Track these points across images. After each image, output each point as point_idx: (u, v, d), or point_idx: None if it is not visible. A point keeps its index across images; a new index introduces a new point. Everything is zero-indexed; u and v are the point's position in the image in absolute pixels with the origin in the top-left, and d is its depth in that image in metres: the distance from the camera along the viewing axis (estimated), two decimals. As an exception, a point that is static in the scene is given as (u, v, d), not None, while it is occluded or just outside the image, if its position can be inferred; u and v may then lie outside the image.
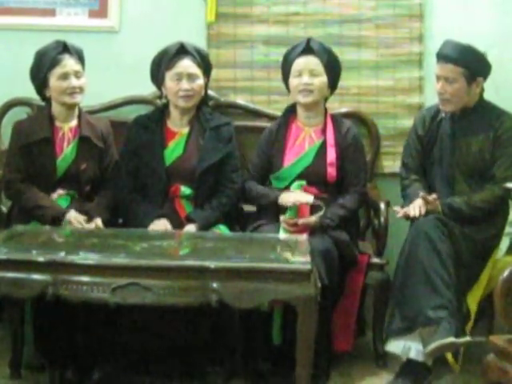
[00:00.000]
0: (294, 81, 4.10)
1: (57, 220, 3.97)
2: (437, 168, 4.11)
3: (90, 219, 4.01)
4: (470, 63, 3.94)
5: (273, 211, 4.03)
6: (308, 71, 4.07)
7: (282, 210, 3.99)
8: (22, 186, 4.08)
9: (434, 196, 3.90)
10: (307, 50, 4.09)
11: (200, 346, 3.83)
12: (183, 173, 4.07)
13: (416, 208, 3.86)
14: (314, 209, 3.98)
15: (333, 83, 4.15)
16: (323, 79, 4.09)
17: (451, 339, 3.60)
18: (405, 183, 4.13)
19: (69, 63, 4.09)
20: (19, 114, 4.50)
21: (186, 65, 4.09)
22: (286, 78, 4.17)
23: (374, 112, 4.62)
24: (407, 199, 4.03)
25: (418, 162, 4.14)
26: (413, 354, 3.77)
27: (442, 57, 4.00)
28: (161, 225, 3.97)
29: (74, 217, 3.98)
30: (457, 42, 3.97)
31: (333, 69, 4.13)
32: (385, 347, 3.90)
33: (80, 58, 4.15)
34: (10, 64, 4.55)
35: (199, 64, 4.12)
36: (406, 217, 3.90)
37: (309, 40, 4.11)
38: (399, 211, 3.91)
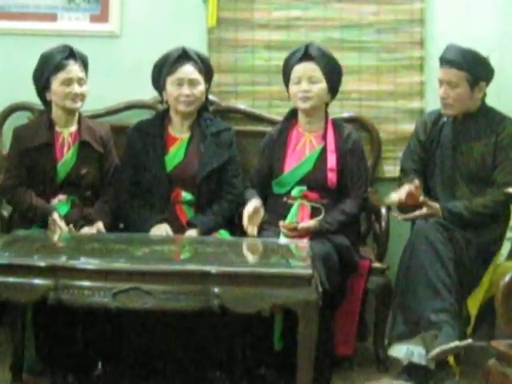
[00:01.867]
0: (293, 88, 4.10)
1: (46, 219, 3.97)
2: (438, 172, 4.11)
3: (91, 224, 4.01)
4: (473, 68, 3.94)
5: (273, 215, 4.03)
6: (307, 78, 4.06)
7: (281, 213, 3.99)
8: (19, 190, 4.08)
9: (416, 182, 3.87)
10: (306, 56, 4.08)
11: (201, 351, 3.82)
12: (184, 178, 4.07)
13: (401, 192, 3.85)
14: (314, 213, 3.98)
15: (333, 88, 4.13)
16: (322, 85, 4.07)
17: (454, 343, 3.61)
18: (402, 183, 4.12)
19: (73, 69, 4.08)
20: (20, 118, 4.49)
21: (188, 70, 4.09)
22: (286, 83, 4.17)
23: (375, 117, 4.61)
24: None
25: (418, 166, 4.14)
26: (415, 358, 3.78)
27: (445, 61, 4.00)
28: (162, 230, 3.97)
29: (57, 219, 3.96)
30: (460, 47, 3.97)
31: (332, 74, 4.11)
32: (388, 352, 3.90)
33: (84, 64, 4.15)
34: (11, 69, 4.54)
35: (200, 70, 4.12)
36: (405, 219, 3.91)
37: (307, 46, 4.10)
38: (396, 215, 3.92)
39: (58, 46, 4.12)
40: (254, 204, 3.97)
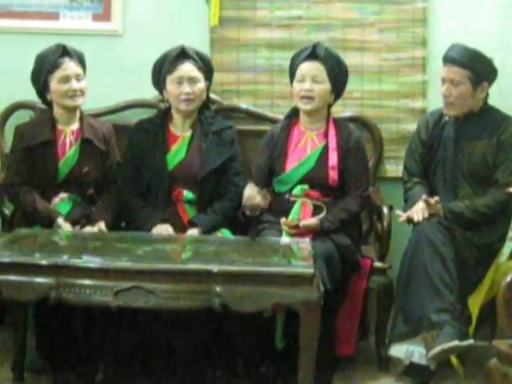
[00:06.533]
0: (296, 85, 4.10)
1: (50, 223, 3.97)
2: (440, 172, 4.11)
3: (92, 223, 4.01)
4: (477, 67, 3.95)
5: (274, 214, 4.02)
6: (311, 77, 4.06)
7: (283, 211, 3.98)
8: (22, 190, 4.07)
9: (436, 199, 3.90)
10: (312, 55, 4.08)
11: (202, 350, 3.83)
12: (186, 177, 4.07)
13: (419, 212, 3.86)
14: (315, 211, 3.98)
15: (337, 90, 4.13)
16: (325, 87, 4.07)
17: (455, 343, 3.61)
18: (407, 186, 4.14)
19: (69, 66, 4.09)
20: (23, 117, 4.50)
21: (187, 68, 4.09)
22: (291, 80, 4.17)
23: (377, 116, 4.61)
24: (409, 202, 4.04)
25: (420, 166, 4.15)
26: (416, 358, 3.78)
27: (448, 59, 4.00)
28: (163, 230, 3.97)
29: (62, 224, 3.96)
30: (464, 46, 3.98)
31: (337, 76, 4.11)
32: (388, 351, 3.90)
33: (80, 61, 4.15)
34: (14, 67, 4.54)
35: (200, 68, 4.13)
36: (409, 220, 3.91)
37: (315, 45, 4.10)
38: (402, 215, 3.92)
39: (52, 46, 4.13)
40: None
